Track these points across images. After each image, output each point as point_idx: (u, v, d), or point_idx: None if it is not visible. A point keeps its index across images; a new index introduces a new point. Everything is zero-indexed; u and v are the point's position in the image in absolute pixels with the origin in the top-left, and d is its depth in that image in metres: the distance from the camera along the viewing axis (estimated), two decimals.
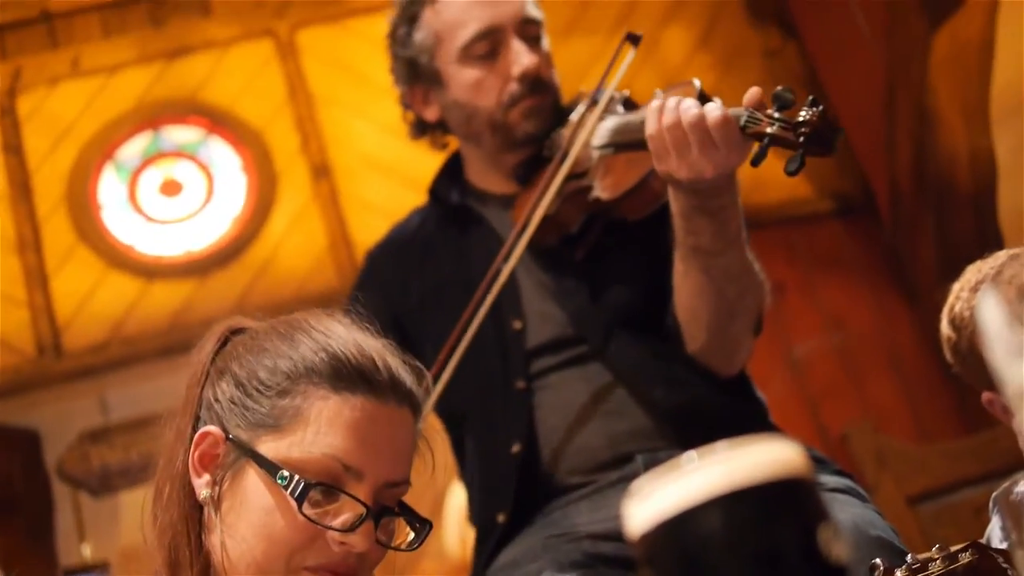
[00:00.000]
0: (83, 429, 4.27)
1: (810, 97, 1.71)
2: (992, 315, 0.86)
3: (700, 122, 1.75)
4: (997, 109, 4.62)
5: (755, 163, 1.75)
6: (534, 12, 2.27)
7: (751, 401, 2.17)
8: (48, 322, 4.35)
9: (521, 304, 2.18)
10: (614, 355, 2.10)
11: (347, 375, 1.36)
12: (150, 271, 4.49)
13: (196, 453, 1.39)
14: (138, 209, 4.61)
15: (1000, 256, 2.02)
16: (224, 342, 1.47)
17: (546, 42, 2.30)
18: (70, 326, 4.37)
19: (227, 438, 1.37)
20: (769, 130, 1.71)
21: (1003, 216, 4.67)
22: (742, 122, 1.74)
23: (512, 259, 2.08)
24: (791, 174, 1.71)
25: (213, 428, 1.38)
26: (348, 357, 1.37)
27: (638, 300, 2.13)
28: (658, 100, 1.90)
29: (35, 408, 4.27)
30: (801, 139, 1.67)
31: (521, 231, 2.10)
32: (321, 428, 1.34)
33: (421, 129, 2.39)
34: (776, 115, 1.71)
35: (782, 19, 5.13)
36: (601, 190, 2.05)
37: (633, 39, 2.17)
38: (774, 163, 1.74)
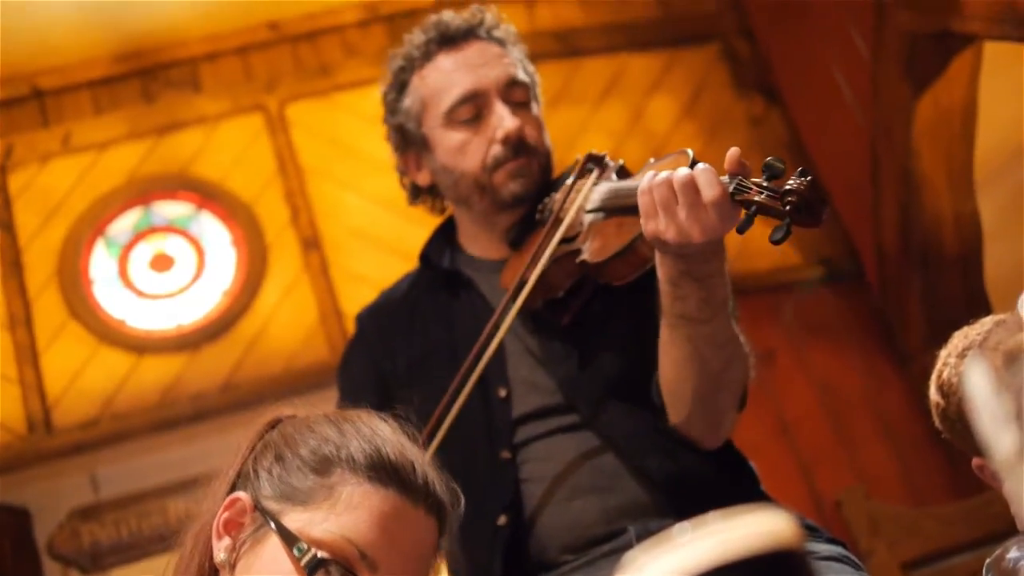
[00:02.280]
0: (73, 506, 4.24)
1: (800, 168, 1.70)
2: (979, 383, 0.86)
3: (690, 184, 1.74)
4: (981, 172, 4.66)
5: (741, 231, 1.73)
6: (521, 75, 2.29)
7: (742, 470, 2.16)
8: (39, 399, 4.33)
9: (506, 371, 2.16)
10: (605, 425, 2.08)
11: (384, 469, 1.40)
12: (141, 346, 4.48)
13: (223, 516, 1.42)
14: (129, 284, 4.61)
15: (986, 322, 2.03)
16: (275, 424, 1.52)
17: (536, 106, 2.32)
18: (60, 402, 4.35)
19: (255, 506, 1.41)
20: (757, 198, 1.70)
21: (989, 279, 4.69)
22: (730, 189, 1.73)
23: (502, 327, 2.07)
24: (776, 243, 1.68)
25: (243, 495, 1.42)
26: (389, 454, 1.42)
27: (625, 369, 2.12)
28: (651, 168, 1.91)
29: (25, 486, 4.24)
30: (788, 207, 1.66)
31: (512, 298, 2.10)
32: (347, 511, 1.37)
33: (416, 195, 2.41)
34: (764, 184, 1.70)
35: (766, 87, 5.17)
36: (588, 253, 2.05)
37: (595, 160, 2.19)
38: (761, 231, 1.73)
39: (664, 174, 1.78)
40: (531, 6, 5.03)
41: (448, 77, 2.26)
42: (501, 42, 2.32)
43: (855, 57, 4.60)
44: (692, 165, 1.85)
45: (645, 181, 1.80)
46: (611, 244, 2.01)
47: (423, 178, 2.35)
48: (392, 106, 2.34)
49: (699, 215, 1.74)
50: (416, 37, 2.33)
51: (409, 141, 2.33)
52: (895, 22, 4.26)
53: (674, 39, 5.22)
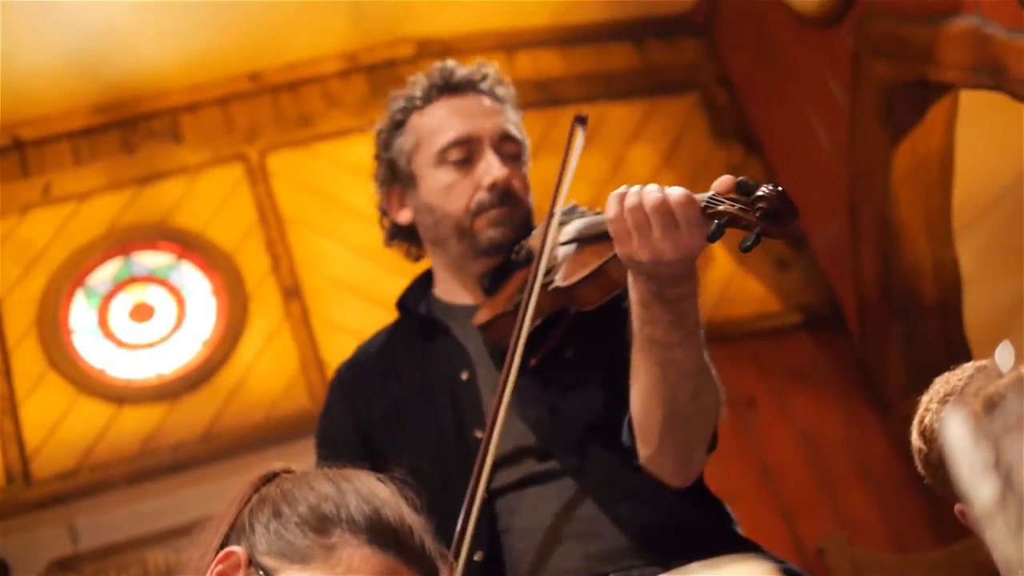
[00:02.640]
0: (52, 558, 4.20)
1: (772, 182, 1.73)
2: (958, 433, 0.87)
3: (662, 202, 1.75)
4: (959, 219, 4.69)
5: (711, 239, 1.74)
6: (515, 132, 2.38)
7: (719, 514, 2.16)
8: (17, 449, 4.31)
9: (482, 411, 2.17)
10: (582, 472, 2.09)
11: (384, 532, 1.39)
12: (120, 396, 4.46)
13: (216, 569, 1.40)
14: (109, 335, 4.59)
15: (967, 368, 2.05)
16: (271, 478, 1.51)
17: (525, 164, 2.38)
18: (39, 453, 4.32)
19: (251, 562, 1.39)
20: (728, 209, 1.72)
21: (969, 325, 4.71)
22: (702, 203, 1.75)
23: (508, 386, 2.06)
24: (745, 250, 1.70)
25: (238, 549, 1.40)
26: (389, 517, 1.41)
27: (596, 412, 2.13)
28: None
29: (3, 537, 4.20)
30: (757, 215, 1.68)
31: (513, 346, 2.08)
32: (346, 573, 1.36)
33: (394, 234, 2.45)
34: (737, 196, 1.72)
35: (744, 135, 5.21)
36: (559, 279, 2.07)
37: (580, 120, 2.25)
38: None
39: (633, 197, 1.78)
40: (511, 55, 5.07)
41: (445, 120, 2.33)
42: (501, 100, 2.40)
43: (833, 106, 4.64)
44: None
45: (614, 204, 1.81)
46: (581, 268, 2.04)
47: (404, 216, 2.40)
48: (386, 142, 2.41)
49: (671, 232, 1.75)
50: (420, 80, 2.41)
51: (397, 177, 2.38)
52: (872, 71, 4.30)
53: (653, 88, 5.26)
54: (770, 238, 1.70)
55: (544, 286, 2.10)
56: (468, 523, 1.99)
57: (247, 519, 1.44)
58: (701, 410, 1.99)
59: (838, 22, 4.45)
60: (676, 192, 1.76)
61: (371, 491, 1.44)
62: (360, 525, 1.39)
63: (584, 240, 2.09)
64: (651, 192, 1.77)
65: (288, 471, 1.52)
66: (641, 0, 5.23)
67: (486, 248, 2.28)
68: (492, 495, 2.12)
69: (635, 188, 1.80)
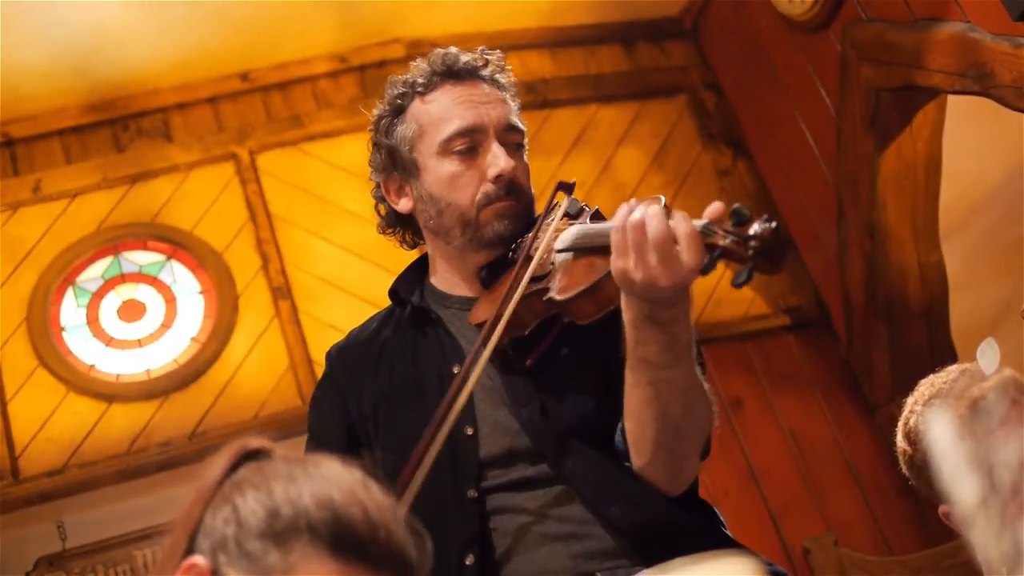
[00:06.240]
0: (40, 555, 4.21)
1: (765, 215, 1.73)
2: (941, 434, 0.88)
3: (665, 233, 1.76)
4: (946, 224, 4.72)
5: (704, 272, 1.75)
6: (517, 122, 2.34)
7: (709, 517, 2.17)
8: (5, 446, 4.31)
9: (473, 408, 2.16)
10: (573, 473, 2.09)
11: (347, 542, 1.33)
12: (109, 394, 4.46)
13: None
14: (98, 332, 4.59)
15: (951, 371, 2.07)
16: (236, 465, 1.45)
17: (526, 154, 2.35)
18: (28, 450, 4.32)
19: (212, 574, 1.34)
20: (722, 243, 1.72)
21: (956, 329, 4.74)
22: (697, 231, 1.76)
23: (477, 367, 2.06)
24: (737, 286, 1.71)
25: (201, 560, 1.35)
26: (351, 521, 1.35)
27: (589, 414, 2.12)
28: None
29: None
30: (750, 252, 1.69)
31: (485, 337, 2.08)
32: None
33: (391, 222, 2.43)
34: (731, 228, 1.73)
35: (733, 139, 5.23)
36: (555, 290, 2.05)
37: (566, 188, 2.24)
38: (730, 280, 1.75)
39: (639, 214, 1.79)
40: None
41: (450, 108, 2.29)
42: (503, 87, 2.36)
43: (821, 110, 4.67)
44: (665, 212, 1.88)
45: (620, 218, 1.82)
46: (578, 282, 2.02)
47: (403, 205, 2.35)
48: (386, 129, 2.35)
49: (669, 263, 1.76)
50: (421, 66, 2.36)
51: (397, 164, 2.34)
52: (859, 76, 4.32)
53: (642, 91, 5.28)
54: (762, 274, 1.72)
55: (539, 293, 2.09)
56: (418, 471, 1.97)
57: (211, 520, 1.38)
58: (693, 424, 2.00)
59: (826, 27, 4.48)
60: (683, 227, 1.76)
61: (335, 487, 1.38)
62: (322, 534, 1.33)
63: (581, 250, 2.08)
64: (655, 217, 1.78)
65: (252, 454, 1.46)
66: (630, 3, 5.26)
67: (490, 241, 2.26)
68: (482, 491, 2.13)
69: (641, 206, 1.81)
